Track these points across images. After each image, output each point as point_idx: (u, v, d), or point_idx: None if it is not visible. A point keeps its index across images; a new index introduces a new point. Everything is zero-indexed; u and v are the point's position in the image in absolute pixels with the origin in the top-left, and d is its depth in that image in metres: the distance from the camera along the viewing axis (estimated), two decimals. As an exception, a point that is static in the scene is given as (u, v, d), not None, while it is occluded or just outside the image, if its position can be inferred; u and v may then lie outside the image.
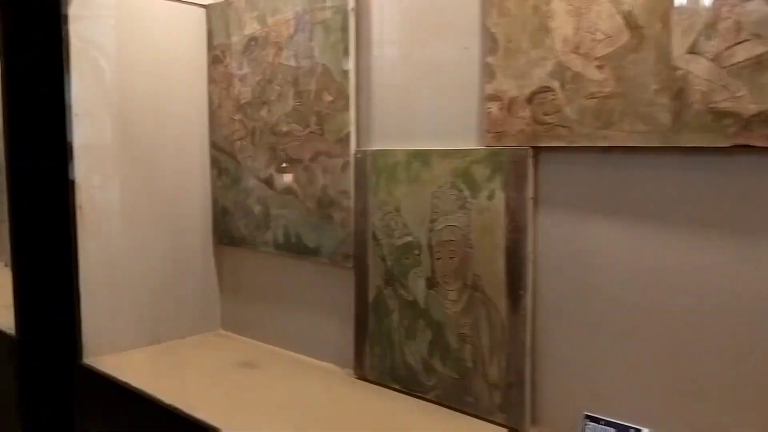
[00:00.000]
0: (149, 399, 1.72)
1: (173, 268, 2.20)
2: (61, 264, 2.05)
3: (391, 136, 1.75)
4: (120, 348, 2.06)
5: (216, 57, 2.22)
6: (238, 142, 2.16)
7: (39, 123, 2.16)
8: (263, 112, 2.06)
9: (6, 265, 3.65)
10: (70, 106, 1.93)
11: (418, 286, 1.67)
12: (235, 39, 2.14)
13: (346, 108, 1.80)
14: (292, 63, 1.95)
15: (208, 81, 2.25)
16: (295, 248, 2.00)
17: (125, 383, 1.80)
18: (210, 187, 2.29)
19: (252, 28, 2.07)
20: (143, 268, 2.12)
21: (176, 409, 1.63)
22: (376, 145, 1.78)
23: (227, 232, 2.24)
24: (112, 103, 2.02)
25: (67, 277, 2.02)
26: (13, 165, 2.17)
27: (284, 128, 2.00)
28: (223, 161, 2.23)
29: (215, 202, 2.28)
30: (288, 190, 2.01)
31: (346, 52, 1.79)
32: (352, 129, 1.81)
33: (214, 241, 2.31)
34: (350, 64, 1.78)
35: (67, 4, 1.92)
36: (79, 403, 2.02)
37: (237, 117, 2.16)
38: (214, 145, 2.26)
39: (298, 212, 1.98)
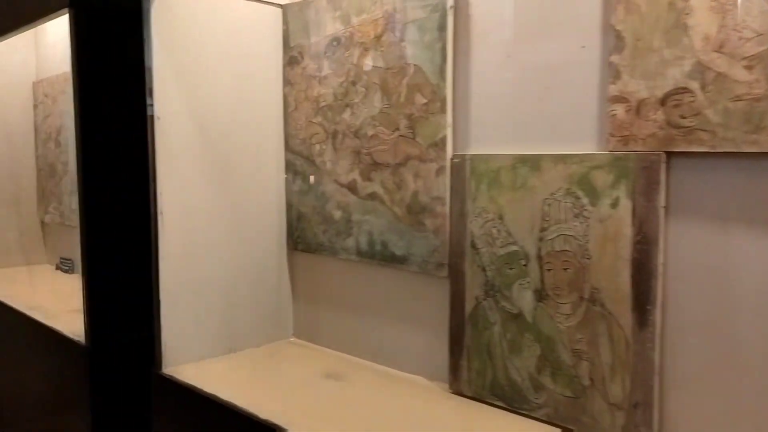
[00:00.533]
0: (239, 412, 1.65)
1: (248, 275, 2.14)
2: (139, 271, 2.00)
3: (492, 140, 1.67)
4: (198, 357, 2.01)
5: (293, 58, 2.16)
6: (317, 146, 2.10)
7: (116, 125, 2.12)
8: (346, 115, 1.99)
9: (56, 269, 3.63)
10: (152, 109, 1.88)
11: (524, 298, 1.59)
12: (314, 39, 2.08)
13: (442, 110, 1.73)
14: (380, 64, 1.88)
15: (283, 83, 2.19)
16: (380, 256, 1.93)
17: (213, 396, 1.74)
18: (284, 192, 2.23)
19: (334, 28, 2.01)
20: (220, 275, 2.06)
21: (273, 424, 1.56)
22: (474, 149, 1.70)
23: (303, 238, 2.18)
24: (192, 106, 1.97)
25: (145, 285, 1.97)
26: (86, 168, 2.13)
27: (370, 131, 1.93)
28: (299, 165, 2.17)
29: (290, 207, 2.22)
30: (373, 196, 1.94)
31: (443, 53, 1.71)
32: (449, 132, 1.73)
33: (288, 247, 2.24)
34: (448, 65, 1.71)
35: (149, 3, 1.87)
36: (157, 415, 1.97)
37: (316, 120, 2.09)
38: (289, 149, 2.20)
39: (384, 218, 1.91)
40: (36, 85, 3.73)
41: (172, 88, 1.92)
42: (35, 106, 3.75)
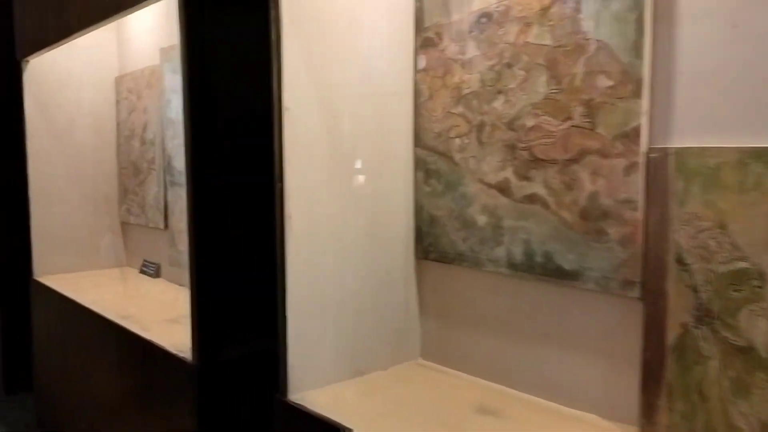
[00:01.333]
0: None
1: (375, 287, 1.88)
2: (258, 282, 1.76)
3: (706, 130, 1.35)
4: (325, 381, 1.75)
5: (428, 40, 1.88)
6: (457, 140, 1.82)
7: (233, 118, 1.89)
8: (497, 103, 1.71)
9: (140, 272, 3.46)
10: (280, 99, 1.64)
11: (756, 328, 1.27)
12: (456, 17, 1.80)
13: (636, 95, 1.42)
14: (547, 41, 1.59)
15: (415, 69, 1.92)
16: (540, 269, 1.64)
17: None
18: (413, 193, 1.96)
19: (484, 2, 1.72)
20: (348, 287, 1.81)
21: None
22: (679, 142, 1.38)
23: (436, 246, 1.90)
24: (321, 96, 1.72)
25: (265, 298, 1.73)
26: (196, 165, 1.90)
27: (529, 122, 1.63)
28: (432, 162, 1.90)
29: (420, 210, 1.95)
30: (532, 198, 1.65)
31: (639, 25, 1.41)
32: (644, 121, 1.42)
33: (417, 256, 1.97)
34: (646, 40, 1.40)
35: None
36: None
37: (456, 110, 1.81)
38: (420, 144, 1.93)
39: (547, 225, 1.61)
40: (119, 80, 3.58)
41: (302, 74, 1.67)
42: (117, 102, 3.60)
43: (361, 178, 1.83)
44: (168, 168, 3.12)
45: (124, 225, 3.68)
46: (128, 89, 3.46)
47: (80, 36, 2.84)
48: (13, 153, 3.50)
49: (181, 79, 1.92)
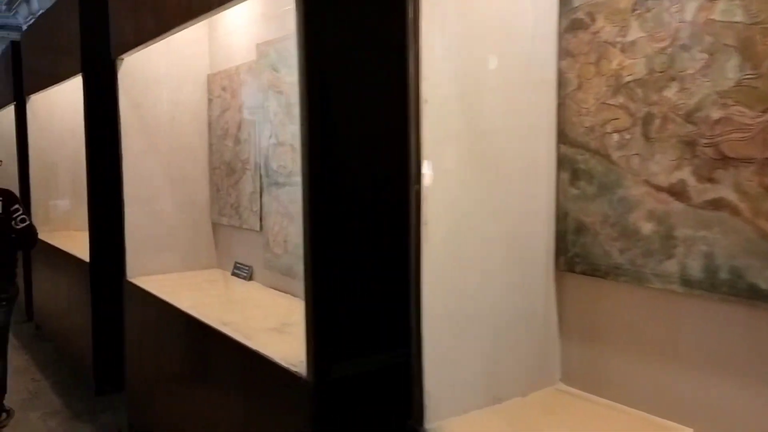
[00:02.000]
0: None
1: (514, 304, 1.67)
2: (385, 295, 1.58)
3: None
4: (462, 409, 1.56)
5: (577, 22, 1.65)
6: (615, 135, 1.58)
7: (357, 110, 1.72)
8: (669, 92, 1.46)
9: (232, 274, 3.37)
10: (418, 89, 1.45)
11: None
12: (616, -7, 1.56)
13: None
14: (738, 18, 1.33)
15: (559, 55, 1.70)
16: (726, 288, 1.38)
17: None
18: (554, 196, 1.73)
19: (653, -26, 1.48)
20: (485, 304, 1.60)
21: None
22: None
23: (584, 257, 1.67)
24: (461, 89, 1.52)
25: (394, 314, 1.55)
26: (311, 167, 1.73)
27: (715, 113, 1.38)
28: (581, 161, 1.66)
29: (563, 216, 1.72)
30: (717, 203, 1.39)
31: None
32: None
33: (558, 268, 1.74)
34: None
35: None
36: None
37: (615, 101, 1.57)
38: (566, 140, 1.70)
39: (737, 236, 1.36)
40: (211, 77, 3.50)
41: (442, 61, 1.48)
42: (210, 101, 3.52)
43: (501, 180, 1.62)
44: (264, 168, 3.00)
45: (215, 226, 3.60)
46: (221, 87, 3.37)
47: (177, 32, 2.75)
48: (108, 153, 3.49)
49: (298, 72, 1.76)
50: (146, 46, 3.06)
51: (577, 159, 1.67)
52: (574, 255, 1.69)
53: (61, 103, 4.94)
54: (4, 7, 12.67)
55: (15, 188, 5.49)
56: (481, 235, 1.59)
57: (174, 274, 3.46)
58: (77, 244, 4.43)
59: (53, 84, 4.51)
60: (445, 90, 1.48)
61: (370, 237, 1.69)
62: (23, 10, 11.94)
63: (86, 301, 3.91)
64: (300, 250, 2.85)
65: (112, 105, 3.33)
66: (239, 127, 3.22)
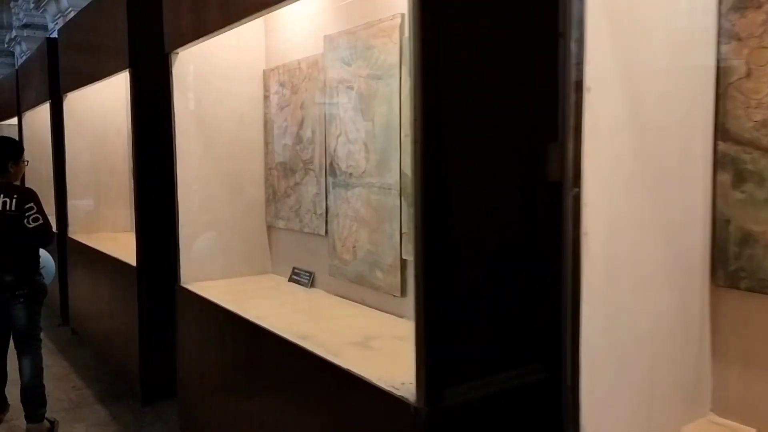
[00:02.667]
0: None
1: (670, 326, 1.45)
2: (526, 317, 1.37)
3: None
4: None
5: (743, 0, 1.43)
6: (798, 131, 1.36)
7: (494, 97, 1.50)
8: None
9: (289, 280, 3.17)
10: (580, 75, 1.23)
11: None
12: (801, -35, 1.34)
13: None
14: None
15: (720, 39, 1.47)
16: None
17: None
18: (711, 201, 1.51)
19: None
20: (643, 327, 1.39)
21: None
22: None
23: (750, 272, 1.45)
24: (624, 73, 1.30)
25: (541, 338, 1.33)
26: (427, 161, 1.51)
27: None
28: (748, 161, 1.44)
29: (724, 224, 1.50)
30: None
31: None
32: None
33: (716, 284, 1.52)
34: None
35: None
36: None
37: (798, 90, 1.35)
38: (728, 137, 1.48)
39: None
40: (267, 73, 3.30)
41: (606, 43, 1.26)
42: (266, 98, 3.33)
43: (659, 182, 1.40)
44: (330, 169, 2.80)
45: (270, 229, 3.41)
46: (279, 82, 3.17)
47: (245, 24, 2.57)
48: (157, 152, 3.31)
49: (411, 56, 1.54)
50: (205, 40, 2.87)
51: (742, 158, 1.45)
52: (738, 269, 1.47)
53: (98, 101, 4.79)
54: (32, 5, 12.62)
55: (48, 188, 5.38)
56: (639, 246, 1.37)
57: (228, 280, 3.27)
58: (119, 246, 4.27)
59: (94, 81, 4.36)
60: (609, 76, 1.27)
61: (491, 243, 1.48)
62: (52, 8, 11.86)
63: (132, 307, 3.73)
64: (372, 257, 2.68)
65: (162, 101, 3.15)
66: (301, 125, 3.02)
